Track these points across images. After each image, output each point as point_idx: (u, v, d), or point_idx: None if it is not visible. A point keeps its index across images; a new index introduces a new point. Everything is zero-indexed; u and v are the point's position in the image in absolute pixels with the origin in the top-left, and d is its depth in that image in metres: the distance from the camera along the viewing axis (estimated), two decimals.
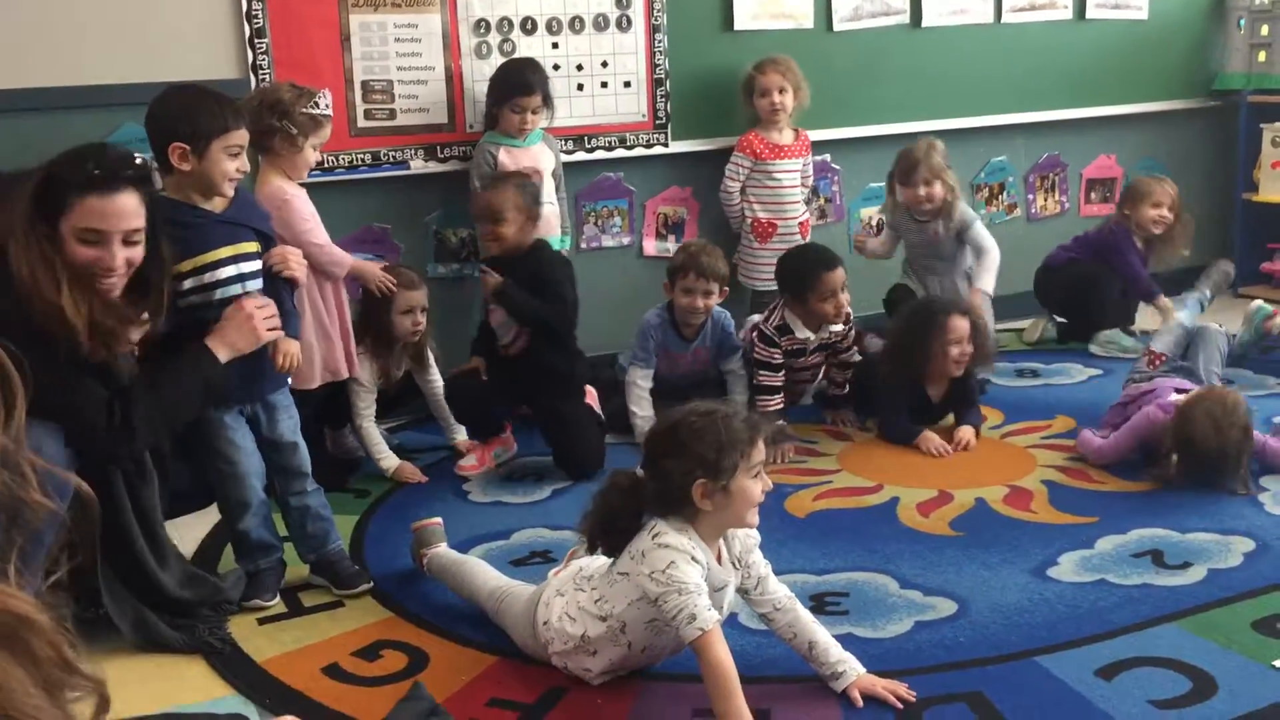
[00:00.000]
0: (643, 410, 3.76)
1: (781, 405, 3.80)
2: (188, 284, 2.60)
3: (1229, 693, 2.21)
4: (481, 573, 2.69)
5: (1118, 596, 2.63)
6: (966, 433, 3.69)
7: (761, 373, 3.78)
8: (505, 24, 4.14)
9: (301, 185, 3.42)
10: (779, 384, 3.80)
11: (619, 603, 2.24)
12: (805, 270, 3.72)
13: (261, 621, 2.70)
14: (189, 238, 2.59)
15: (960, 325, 3.66)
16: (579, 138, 4.30)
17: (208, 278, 2.63)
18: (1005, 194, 5.16)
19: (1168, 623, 2.50)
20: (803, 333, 3.77)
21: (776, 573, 2.68)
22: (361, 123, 4.00)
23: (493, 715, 2.28)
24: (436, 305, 3.82)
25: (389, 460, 3.59)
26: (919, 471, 3.47)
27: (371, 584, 2.83)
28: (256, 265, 2.71)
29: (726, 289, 3.79)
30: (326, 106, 3.37)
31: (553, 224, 4.03)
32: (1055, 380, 4.33)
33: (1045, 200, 5.22)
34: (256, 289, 2.70)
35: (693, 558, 2.17)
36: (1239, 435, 3.15)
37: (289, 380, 2.84)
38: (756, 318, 3.99)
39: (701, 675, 2.15)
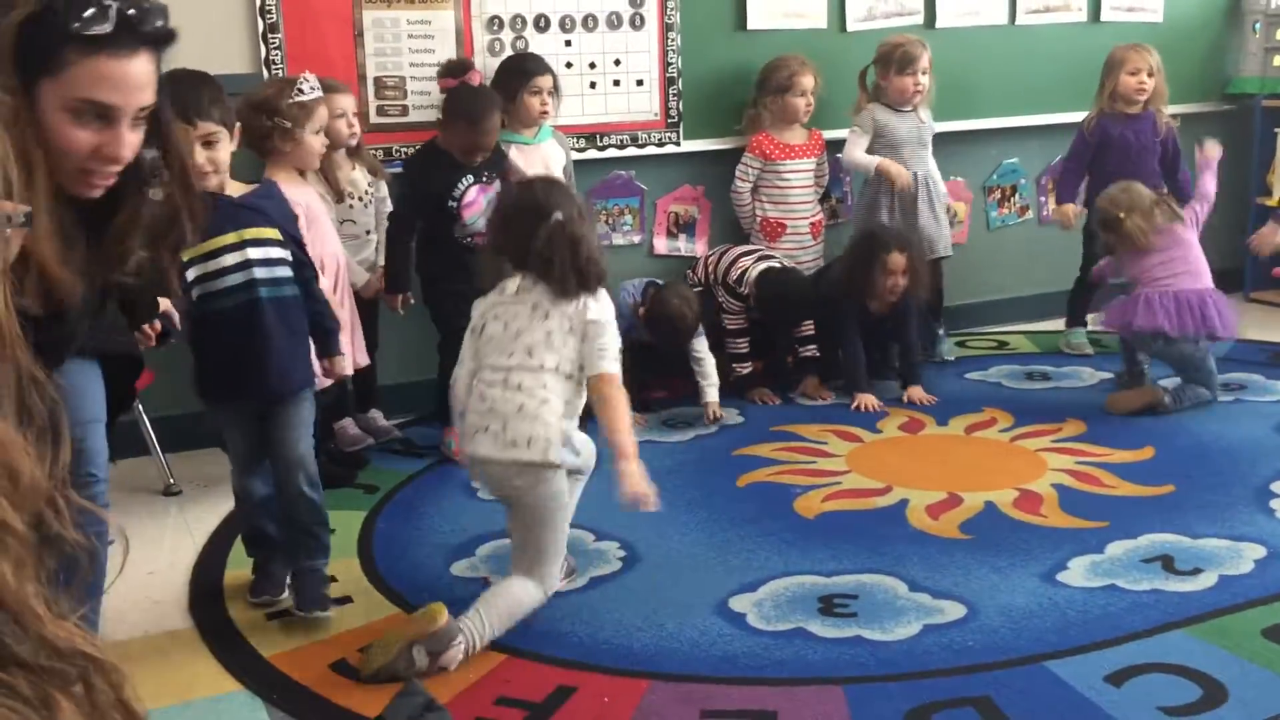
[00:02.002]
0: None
1: (752, 368, 4.21)
2: (192, 273, 2.54)
3: (1239, 700, 2.20)
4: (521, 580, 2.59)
5: (1128, 602, 2.62)
6: (916, 393, 4.12)
7: (728, 320, 4.17)
8: (519, 21, 4.14)
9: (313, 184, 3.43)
10: (744, 328, 4.19)
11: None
12: (787, 310, 4.16)
13: (269, 617, 2.70)
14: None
15: (898, 260, 4.04)
16: (591, 135, 4.30)
17: (211, 266, 2.54)
18: (1017, 196, 5.14)
19: (1178, 629, 2.49)
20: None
21: (784, 574, 2.69)
22: (374, 119, 3.99)
23: (500, 714, 2.28)
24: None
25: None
26: (928, 474, 3.46)
27: (330, 615, 2.63)
28: (271, 254, 2.59)
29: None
30: (312, 90, 3.32)
31: None
32: (1066, 383, 4.31)
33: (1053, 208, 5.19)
34: (281, 290, 2.60)
35: None
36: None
37: (311, 386, 2.72)
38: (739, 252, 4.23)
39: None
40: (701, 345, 4.02)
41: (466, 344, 2.66)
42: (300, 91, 3.31)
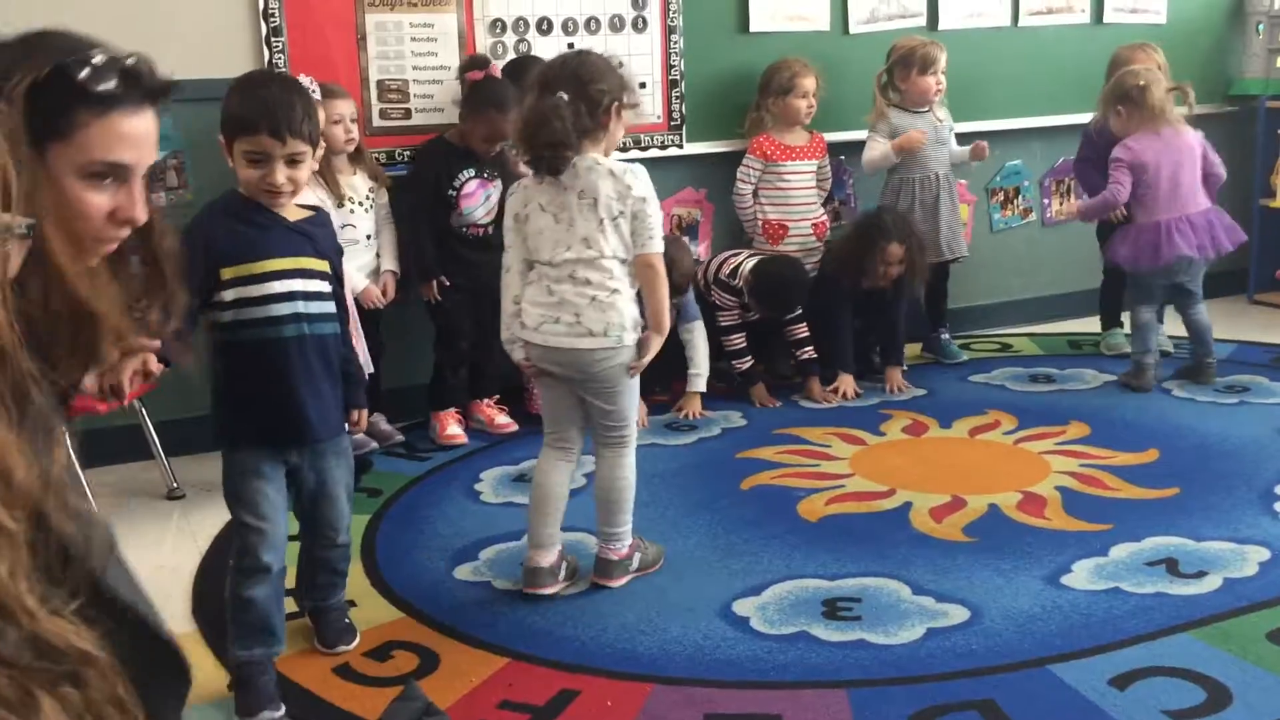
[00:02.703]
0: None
1: (751, 364, 4.22)
2: (228, 295, 2.28)
3: (1244, 704, 2.20)
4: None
5: (1132, 605, 2.61)
6: (895, 376, 4.28)
7: (721, 316, 4.20)
8: (521, 24, 4.14)
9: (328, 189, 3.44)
10: (739, 324, 4.21)
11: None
12: (783, 298, 4.16)
13: None
14: (241, 239, 2.29)
15: (895, 251, 4.16)
16: None
17: (255, 291, 2.28)
18: (1020, 198, 5.14)
19: (1182, 632, 2.49)
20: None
21: (787, 578, 2.69)
22: (377, 122, 4.00)
23: (503, 718, 2.28)
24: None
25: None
26: (932, 476, 3.45)
27: (355, 643, 2.58)
28: (317, 287, 2.36)
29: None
30: (312, 92, 3.34)
31: None
32: (1069, 386, 4.31)
33: (1060, 205, 5.19)
34: (323, 328, 2.37)
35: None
36: None
37: (346, 428, 2.51)
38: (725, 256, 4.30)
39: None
40: (696, 328, 4.06)
41: (510, 233, 2.78)
42: None
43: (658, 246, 2.69)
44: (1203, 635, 2.47)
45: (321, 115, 3.31)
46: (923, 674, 2.37)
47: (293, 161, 2.25)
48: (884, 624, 2.57)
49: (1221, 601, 2.61)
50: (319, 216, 2.43)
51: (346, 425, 2.49)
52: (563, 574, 2.81)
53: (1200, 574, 2.75)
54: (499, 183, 3.83)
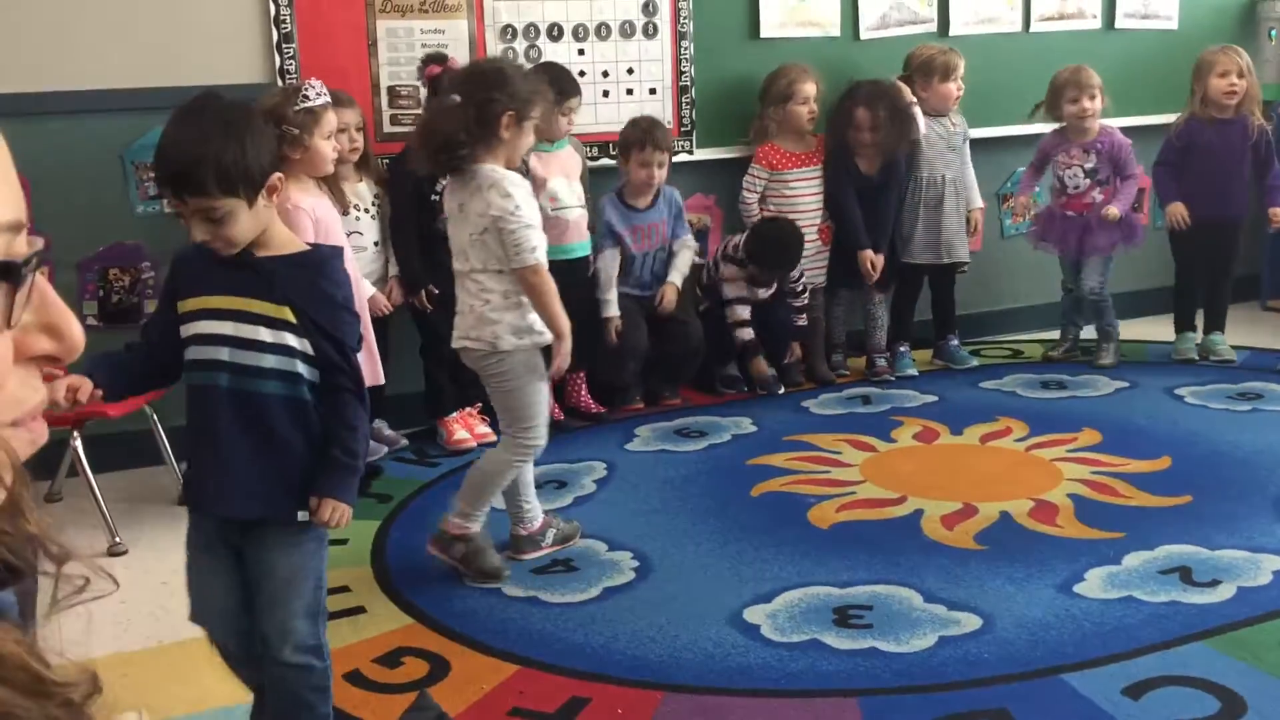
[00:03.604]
0: (610, 295, 4.08)
1: (753, 338, 4.28)
2: (183, 329, 2.02)
3: (1258, 714, 2.18)
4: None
5: (1145, 614, 2.60)
6: (866, 256, 4.36)
7: (728, 287, 4.28)
8: (532, 30, 4.14)
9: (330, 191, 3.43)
10: (744, 296, 4.28)
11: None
12: (780, 256, 4.23)
13: None
14: (189, 271, 2.04)
15: (862, 116, 4.29)
16: (605, 144, 4.30)
17: (188, 327, 2.00)
18: (1032, 204, 5.11)
19: (1196, 641, 2.47)
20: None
21: (798, 585, 2.68)
22: (388, 128, 4.00)
23: None
24: None
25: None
26: (943, 483, 3.44)
27: None
28: (258, 336, 1.95)
29: (672, 159, 4.18)
30: (318, 95, 3.33)
31: (580, 227, 4.03)
32: (1082, 393, 4.29)
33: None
34: (254, 384, 1.96)
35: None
36: None
37: (302, 517, 2.01)
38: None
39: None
40: (687, 245, 4.23)
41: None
42: (305, 98, 3.31)
43: (529, 260, 2.72)
44: (1216, 644, 2.46)
45: (332, 116, 3.31)
46: (935, 683, 2.36)
47: (209, 218, 1.91)
48: (895, 632, 2.56)
49: (1235, 610, 2.60)
50: (304, 256, 2.01)
51: (303, 514, 2.00)
52: (549, 539, 3.04)
53: (1214, 582, 2.73)
54: None
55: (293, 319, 1.95)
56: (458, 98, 2.72)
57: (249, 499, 1.99)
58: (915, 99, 4.41)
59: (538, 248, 2.73)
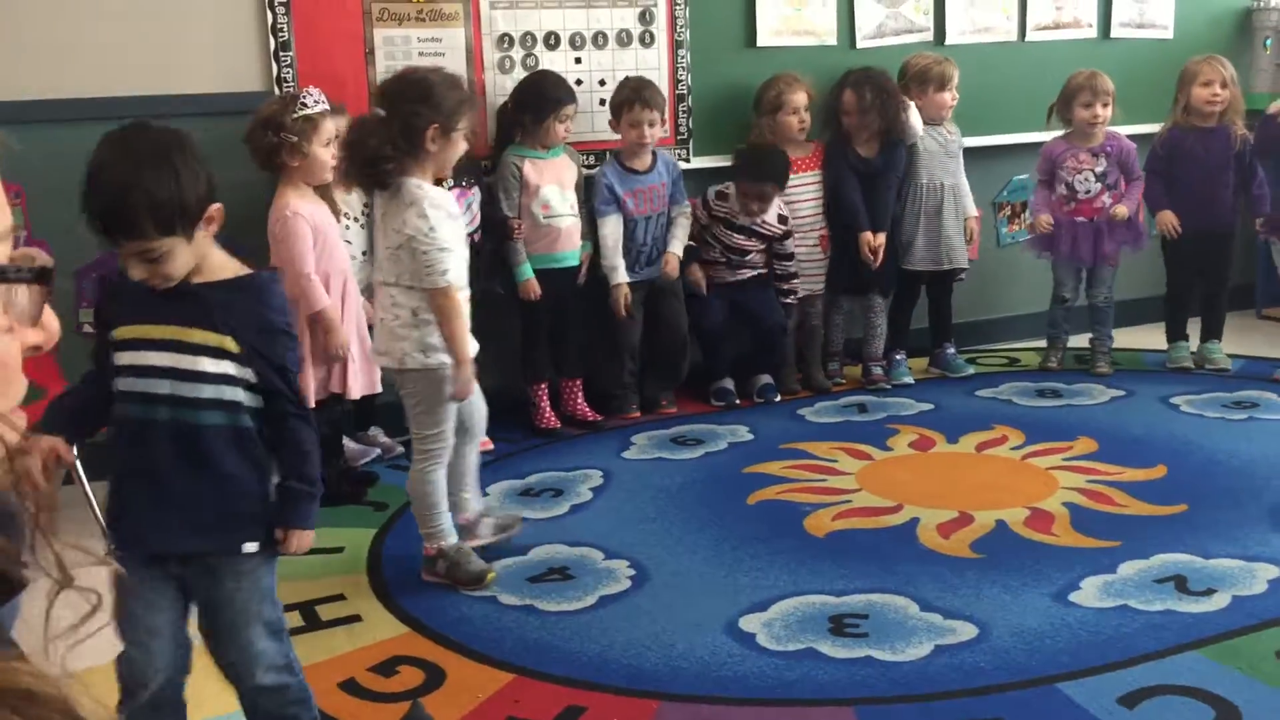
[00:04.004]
0: (617, 261, 4.08)
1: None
2: (115, 358, 1.93)
3: None
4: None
5: (1140, 623, 2.60)
6: (867, 239, 4.34)
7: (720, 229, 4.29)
8: (529, 39, 4.15)
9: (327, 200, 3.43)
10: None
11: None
12: (764, 166, 4.22)
13: None
14: (123, 298, 1.95)
15: (849, 98, 4.32)
16: (601, 152, 4.30)
17: (122, 358, 1.92)
18: (1027, 213, 5.12)
19: (1191, 650, 2.47)
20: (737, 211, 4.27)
21: (794, 594, 2.67)
22: None
23: None
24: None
25: None
26: (939, 492, 3.45)
27: None
28: (198, 366, 1.88)
29: (665, 120, 4.16)
30: (316, 103, 3.34)
31: (572, 236, 4.03)
32: (1077, 401, 4.30)
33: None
34: (193, 415, 1.89)
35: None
36: None
37: (250, 548, 1.97)
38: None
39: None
40: (685, 213, 4.23)
41: None
42: (304, 105, 3.31)
43: (438, 282, 2.73)
44: (1211, 653, 2.46)
45: (330, 123, 3.32)
46: (930, 692, 2.36)
47: (146, 259, 1.82)
48: (891, 641, 2.56)
49: (1230, 619, 2.60)
50: (243, 281, 1.93)
51: (250, 545, 1.96)
52: (486, 529, 3.11)
53: (1209, 591, 2.74)
54: (476, 190, 3.85)
55: (235, 349, 1.89)
56: (382, 111, 2.76)
57: (195, 533, 1.93)
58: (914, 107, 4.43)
59: (449, 271, 2.74)
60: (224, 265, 1.93)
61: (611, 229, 4.09)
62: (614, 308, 4.08)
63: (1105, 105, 4.45)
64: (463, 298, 2.83)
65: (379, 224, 2.86)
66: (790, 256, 4.37)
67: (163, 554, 1.95)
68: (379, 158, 2.71)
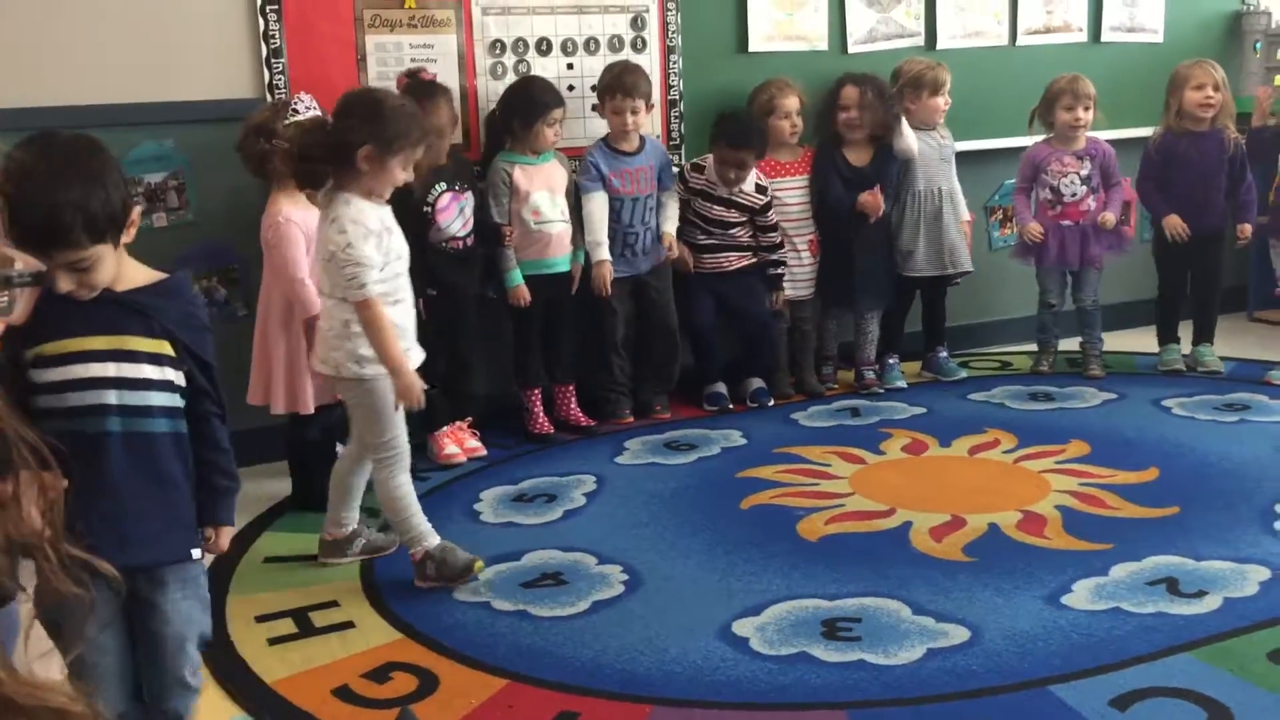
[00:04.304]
0: (601, 238, 4.07)
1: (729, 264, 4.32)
2: (36, 376, 1.85)
3: None
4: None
5: (1132, 625, 2.61)
6: (867, 200, 4.35)
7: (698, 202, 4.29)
8: (521, 45, 4.15)
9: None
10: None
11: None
12: (741, 127, 4.22)
13: (271, 642, 2.70)
14: (45, 313, 1.82)
15: (849, 93, 4.32)
16: None
17: (55, 375, 1.85)
18: (1015, 220, 5.14)
19: (1183, 652, 2.48)
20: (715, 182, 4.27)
21: (787, 598, 2.66)
22: None
23: None
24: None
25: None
26: (932, 495, 3.45)
27: None
28: (141, 374, 1.87)
29: (651, 105, 4.14)
30: (307, 109, 3.35)
31: (563, 242, 4.04)
32: (1069, 404, 4.31)
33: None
34: (144, 423, 1.89)
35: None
36: None
37: (196, 554, 1.98)
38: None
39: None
40: (674, 195, 4.26)
41: None
42: (295, 111, 3.32)
43: (356, 295, 2.76)
44: (1203, 655, 2.46)
45: None
46: (923, 695, 2.36)
47: (76, 268, 1.80)
48: (884, 644, 2.57)
49: (1222, 621, 2.61)
50: (168, 284, 1.93)
51: (196, 550, 1.97)
52: (356, 548, 3.13)
53: (1200, 593, 2.74)
54: (470, 194, 3.86)
55: (172, 352, 1.90)
56: (329, 119, 2.84)
57: (149, 544, 1.90)
58: (903, 110, 4.44)
59: (367, 284, 2.75)
60: (137, 270, 1.92)
61: (597, 206, 4.07)
62: (595, 286, 4.07)
63: (1086, 109, 4.47)
64: (400, 310, 2.86)
65: (316, 236, 2.93)
66: (774, 228, 4.36)
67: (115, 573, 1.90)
68: (307, 158, 2.78)
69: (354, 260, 2.74)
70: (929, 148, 4.49)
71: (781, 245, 4.38)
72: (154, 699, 1.97)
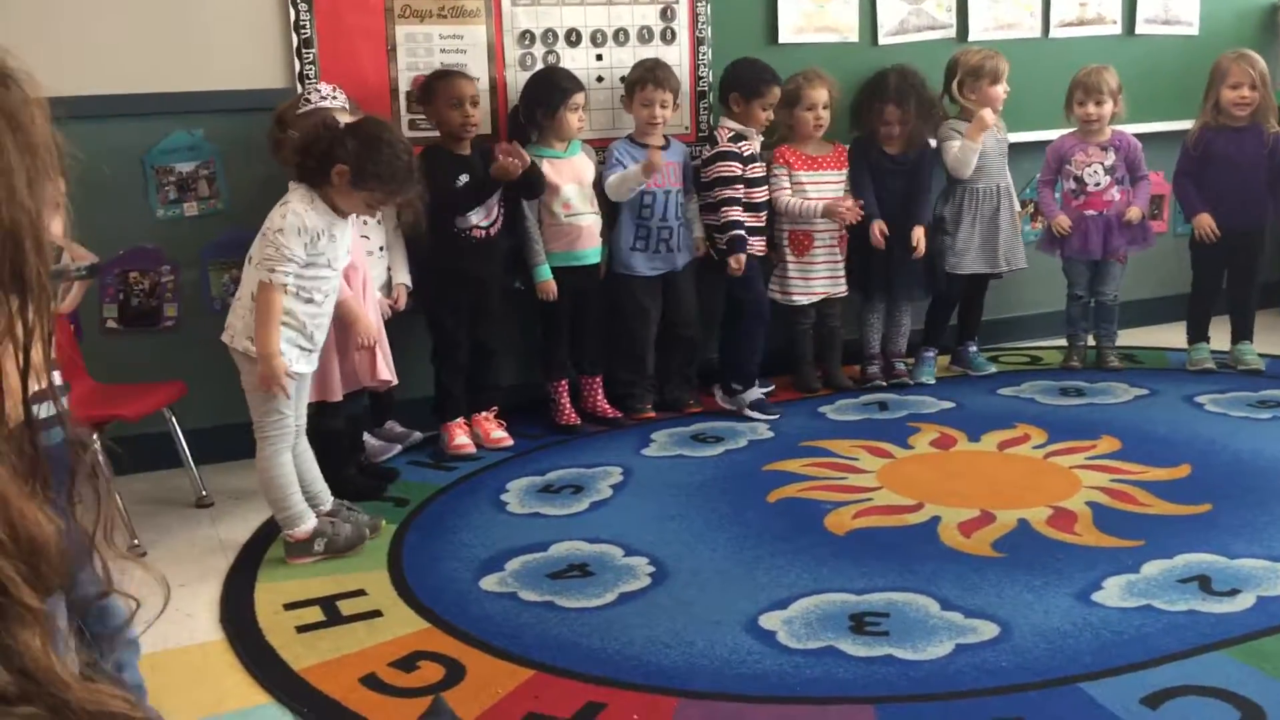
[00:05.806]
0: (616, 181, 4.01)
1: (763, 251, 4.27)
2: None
3: None
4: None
5: (1164, 623, 2.58)
6: (917, 233, 4.33)
7: (730, 208, 4.12)
8: (550, 35, 4.15)
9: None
10: (746, 214, 4.15)
11: None
12: (757, 79, 4.12)
13: (300, 629, 2.71)
14: None
15: (892, 112, 4.29)
16: None
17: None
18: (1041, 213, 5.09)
19: (1215, 651, 2.45)
20: (749, 136, 4.18)
21: (814, 592, 2.64)
22: (406, 133, 4.00)
23: None
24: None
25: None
26: (961, 490, 3.43)
27: None
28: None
29: (678, 105, 4.12)
30: (323, 99, 3.35)
31: (593, 234, 4.03)
32: (1100, 400, 4.27)
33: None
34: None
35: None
36: None
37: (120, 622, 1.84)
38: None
39: None
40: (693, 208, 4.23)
41: None
42: (307, 100, 3.32)
43: (264, 275, 2.88)
44: (1236, 654, 2.44)
45: (341, 118, 3.31)
46: (951, 691, 2.35)
47: None
48: (912, 640, 2.55)
49: (1255, 620, 2.58)
50: None
51: None
52: (319, 546, 3.08)
53: (1233, 592, 2.71)
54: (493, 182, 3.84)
55: None
56: (333, 126, 2.98)
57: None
58: (968, 103, 4.41)
59: (275, 271, 2.87)
60: None
61: (616, 174, 4.00)
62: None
63: (1099, 103, 4.43)
64: (309, 309, 2.94)
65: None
66: (761, 208, 4.24)
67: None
68: (303, 154, 2.95)
69: (276, 245, 2.87)
70: (991, 142, 4.44)
71: (761, 230, 4.28)
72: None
